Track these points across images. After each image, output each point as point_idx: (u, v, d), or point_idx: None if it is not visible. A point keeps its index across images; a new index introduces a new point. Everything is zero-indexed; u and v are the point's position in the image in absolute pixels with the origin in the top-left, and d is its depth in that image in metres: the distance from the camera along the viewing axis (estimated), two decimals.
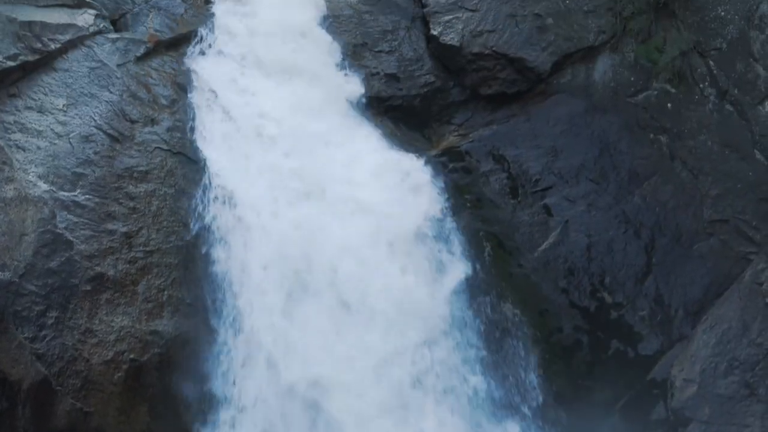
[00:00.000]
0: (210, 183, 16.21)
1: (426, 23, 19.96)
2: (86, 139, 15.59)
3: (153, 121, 16.50)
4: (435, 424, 15.19)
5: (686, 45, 17.80)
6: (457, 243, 17.00)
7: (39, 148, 15.13)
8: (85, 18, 17.18)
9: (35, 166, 14.91)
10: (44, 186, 14.73)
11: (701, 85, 17.71)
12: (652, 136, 18.02)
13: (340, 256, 15.95)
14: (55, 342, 13.93)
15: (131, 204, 15.36)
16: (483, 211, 17.64)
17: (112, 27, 17.72)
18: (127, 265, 14.92)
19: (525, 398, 16.07)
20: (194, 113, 17.09)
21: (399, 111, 19.06)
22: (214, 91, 17.54)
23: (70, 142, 15.43)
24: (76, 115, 15.84)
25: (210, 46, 18.48)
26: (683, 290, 16.74)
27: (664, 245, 17.12)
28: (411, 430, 15.01)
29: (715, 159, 17.34)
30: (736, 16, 17.52)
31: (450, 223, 17.16)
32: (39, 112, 15.62)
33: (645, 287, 16.85)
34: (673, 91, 17.97)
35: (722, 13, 17.70)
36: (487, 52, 19.10)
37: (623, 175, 17.79)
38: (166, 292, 15.05)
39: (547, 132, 18.45)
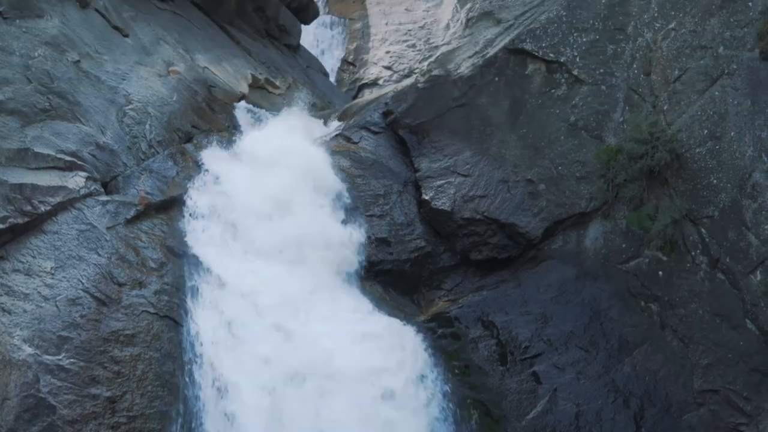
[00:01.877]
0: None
1: (418, 188, 20.82)
2: (73, 302, 15.97)
3: (141, 284, 16.88)
4: None
5: (678, 213, 18.32)
6: None
7: (25, 311, 15.53)
8: (76, 180, 17.60)
9: (20, 329, 15.29)
10: (29, 350, 15.11)
11: (693, 253, 18.19)
12: (643, 303, 18.57)
13: None
14: None
15: (116, 368, 15.68)
16: (471, 378, 18.04)
17: (102, 189, 18.14)
18: (110, 431, 15.23)
19: None
20: (183, 279, 17.60)
21: (389, 276, 19.75)
22: (201, 260, 18.12)
23: (56, 305, 15.81)
24: (64, 277, 16.22)
25: (200, 210, 19.15)
26: None
27: (653, 415, 17.44)
28: None
29: (706, 328, 17.73)
30: (729, 185, 18.03)
31: None
32: (26, 274, 16.02)
33: None
34: (665, 258, 18.49)
35: (714, 181, 18.25)
36: (478, 217, 19.97)
37: (613, 343, 18.26)
38: None
39: (538, 298, 19.03)
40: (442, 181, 20.51)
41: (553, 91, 20.61)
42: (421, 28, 44.02)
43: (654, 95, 19.70)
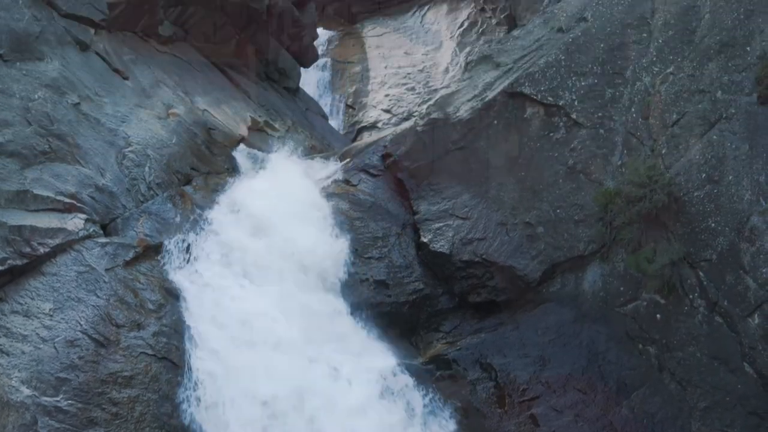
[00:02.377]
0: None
1: (416, 230, 21.00)
2: (71, 343, 16.09)
3: (139, 326, 16.99)
4: None
5: (676, 256, 18.49)
6: None
7: (23, 352, 15.65)
8: (75, 222, 17.79)
9: (18, 370, 15.41)
10: (27, 391, 15.22)
11: (691, 296, 18.38)
12: (641, 346, 18.72)
13: None
14: None
15: (114, 410, 15.78)
16: (469, 421, 18.13)
17: (102, 231, 18.29)
18: None
19: None
20: (183, 320, 17.66)
21: (387, 318, 19.78)
22: (200, 298, 18.20)
23: (54, 347, 15.92)
24: (62, 319, 16.35)
25: (201, 250, 19.17)
26: None
27: None
28: None
29: (704, 371, 17.89)
30: (727, 228, 18.23)
31: None
32: (25, 316, 16.16)
33: None
34: (663, 301, 18.66)
35: (713, 225, 18.44)
36: (476, 260, 20.15)
37: (611, 386, 18.38)
38: None
39: (536, 341, 19.16)
40: (441, 224, 20.71)
41: (551, 134, 20.83)
42: (421, 71, 44.13)
43: (652, 139, 19.93)
